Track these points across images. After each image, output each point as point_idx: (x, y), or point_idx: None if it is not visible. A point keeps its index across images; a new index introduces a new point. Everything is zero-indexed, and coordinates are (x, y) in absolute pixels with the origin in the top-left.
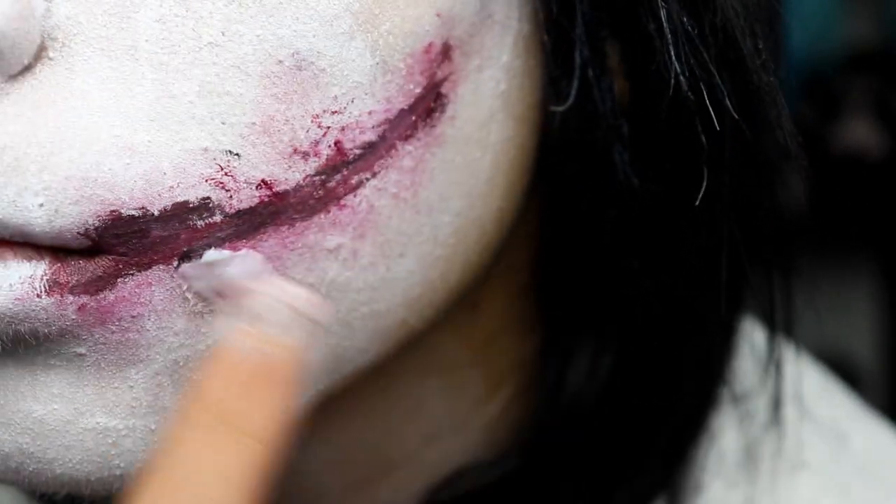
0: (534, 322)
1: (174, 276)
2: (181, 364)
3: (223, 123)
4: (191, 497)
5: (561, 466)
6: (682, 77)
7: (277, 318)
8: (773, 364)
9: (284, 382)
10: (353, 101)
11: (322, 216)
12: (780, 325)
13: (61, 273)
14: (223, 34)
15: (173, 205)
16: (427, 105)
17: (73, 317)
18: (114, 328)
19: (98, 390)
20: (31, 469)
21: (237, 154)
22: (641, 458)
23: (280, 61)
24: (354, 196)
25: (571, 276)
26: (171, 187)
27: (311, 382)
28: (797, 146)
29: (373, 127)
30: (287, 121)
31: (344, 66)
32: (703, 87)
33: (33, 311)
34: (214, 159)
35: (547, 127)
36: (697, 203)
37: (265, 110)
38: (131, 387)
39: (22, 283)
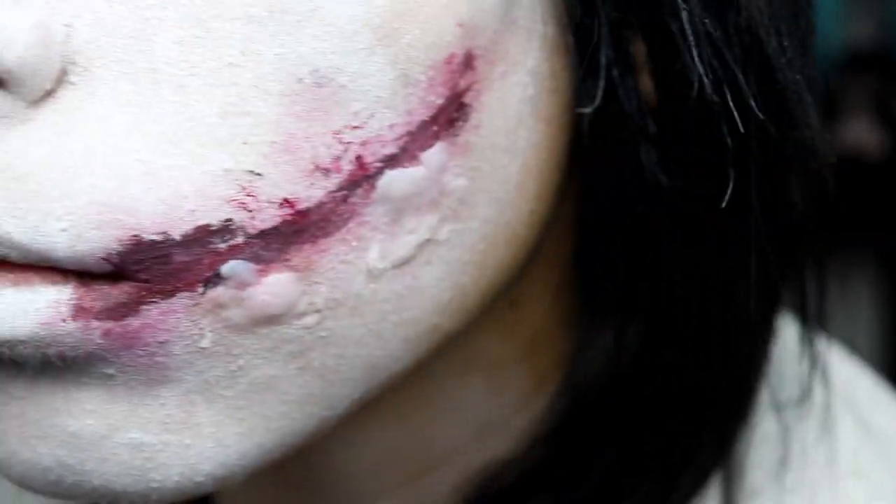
0: (576, 318)
1: (200, 302)
2: (212, 383)
3: (244, 144)
4: None
5: (582, 456)
6: (705, 79)
7: None
8: (821, 369)
9: None
10: (373, 116)
11: (345, 232)
12: (815, 323)
13: (86, 298)
14: (243, 54)
15: (195, 228)
16: (449, 115)
17: (100, 341)
18: (140, 353)
19: (130, 407)
20: (69, 481)
21: (259, 174)
22: (657, 453)
23: (300, 79)
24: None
25: (608, 270)
26: (192, 210)
27: (346, 394)
28: (826, 144)
29: (394, 140)
30: (308, 138)
31: (364, 81)
32: (726, 89)
33: (59, 335)
34: (236, 180)
35: (577, 127)
36: (724, 204)
37: (286, 129)
38: (163, 404)
39: (48, 307)
